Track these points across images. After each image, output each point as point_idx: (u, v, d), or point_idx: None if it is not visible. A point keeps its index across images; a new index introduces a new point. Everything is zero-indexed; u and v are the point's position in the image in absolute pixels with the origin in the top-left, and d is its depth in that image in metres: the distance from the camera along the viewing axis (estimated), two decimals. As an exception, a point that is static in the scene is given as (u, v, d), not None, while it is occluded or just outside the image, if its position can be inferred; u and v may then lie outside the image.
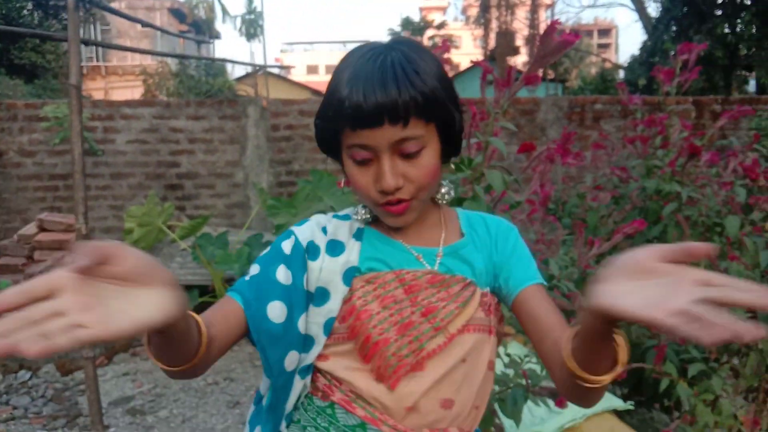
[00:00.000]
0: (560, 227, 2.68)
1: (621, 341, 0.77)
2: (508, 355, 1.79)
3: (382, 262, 1.00)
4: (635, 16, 16.37)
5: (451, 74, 1.59)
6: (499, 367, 1.77)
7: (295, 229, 1.04)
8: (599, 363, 0.77)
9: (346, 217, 1.06)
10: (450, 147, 0.99)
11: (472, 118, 1.67)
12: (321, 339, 0.98)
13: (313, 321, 0.98)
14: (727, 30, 11.13)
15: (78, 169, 2.46)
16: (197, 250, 4.19)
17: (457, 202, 1.70)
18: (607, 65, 19.87)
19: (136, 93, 17.83)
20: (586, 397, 0.85)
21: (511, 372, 1.70)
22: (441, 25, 31.27)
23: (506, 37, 16.14)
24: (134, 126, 5.66)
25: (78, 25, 2.44)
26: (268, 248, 1.02)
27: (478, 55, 19.36)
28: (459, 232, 1.05)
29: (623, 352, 0.77)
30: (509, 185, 1.65)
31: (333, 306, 0.97)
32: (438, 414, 0.95)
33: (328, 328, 0.97)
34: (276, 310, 0.94)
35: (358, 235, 1.03)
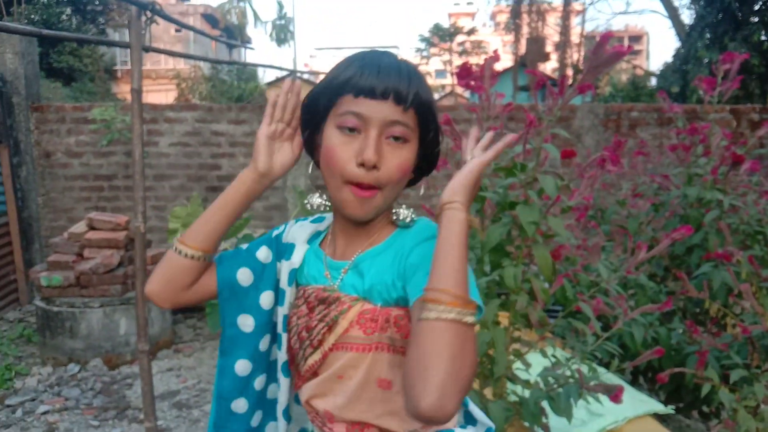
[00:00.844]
0: (601, 233, 2.73)
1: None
2: (554, 356, 1.85)
3: (309, 274, 1.05)
4: (668, 23, 16.21)
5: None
6: (537, 370, 1.82)
7: (289, 224, 1.14)
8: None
9: (321, 219, 1.12)
10: (424, 163, 1.01)
11: (527, 125, 1.74)
12: (284, 337, 1.07)
13: (278, 320, 1.08)
14: (763, 37, 10.97)
15: (138, 170, 2.57)
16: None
17: (509, 206, 1.76)
18: (639, 72, 19.69)
19: (169, 97, 18.17)
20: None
21: (558, 372, 1.76)
22: (471, 31, 31.26)
23: (537, 43, 16.13)
24: (177, 129, 5.82)
25: (140, 32, 2.56)
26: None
27: (508, 61, 19.33)
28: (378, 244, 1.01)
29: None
30: (561, 190, 1.71)
31: (285, 306, 1.07)
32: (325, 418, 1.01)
33: (284, 325, 1.07)
34: (245, 275, 1.07)
35: (311, 239, 1.09)
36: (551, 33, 20.87)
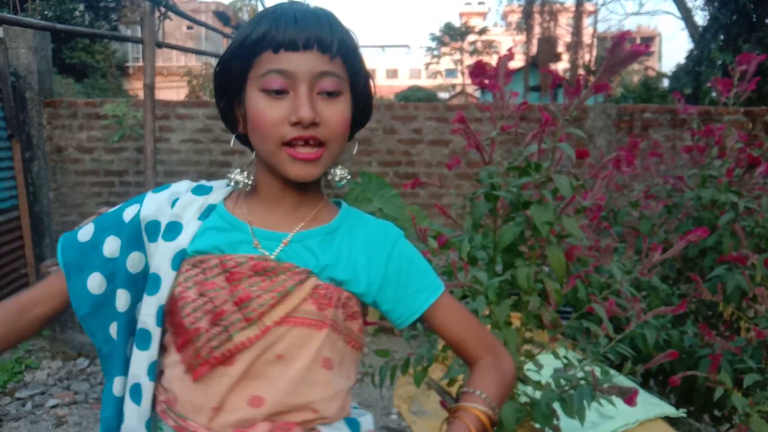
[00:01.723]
0: (614, 234, 2.71)
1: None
2: (566, 358, 1.84)
3: (213, 245, 0.91)
4: (680, 24, 16.12)
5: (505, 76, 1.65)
6: (548, 372, 1.80)
7: (147, 196, 0.98)
8: None
9: (207, 190, 0.99)
10: (359, 115, 0.95)
11: (541, 124, 1.72)
12: (156, 332, 0.92)
13: (147, 312, 0.92)
14: (778, 39, 10.87)
15: (150, 166, 2.59)
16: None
17: (523, 206, 1.75)
18: (651, 73, 19.59)
19: (180, 94, 18.25)
20: None
21: (570, 373, 1.74)
22: (482, 31, 31.22)
23: (548, 43, 16.06)
24: (188, 126, 5.83)
25: (154, 28, 2.57)
26: (115, 207, 0.98)
27: (519, 61, 19.29)
28: (325, 224, 0.96)
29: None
30: (576, 190, 1.69)
31: (163, 293, 0.90)
32: (245, 412, 0.88)
33: (160, 318, 0.91)
34: (96, 281, 0.93)
35: (205, 214, 0.96)
36: (563, 33, 20.79)
